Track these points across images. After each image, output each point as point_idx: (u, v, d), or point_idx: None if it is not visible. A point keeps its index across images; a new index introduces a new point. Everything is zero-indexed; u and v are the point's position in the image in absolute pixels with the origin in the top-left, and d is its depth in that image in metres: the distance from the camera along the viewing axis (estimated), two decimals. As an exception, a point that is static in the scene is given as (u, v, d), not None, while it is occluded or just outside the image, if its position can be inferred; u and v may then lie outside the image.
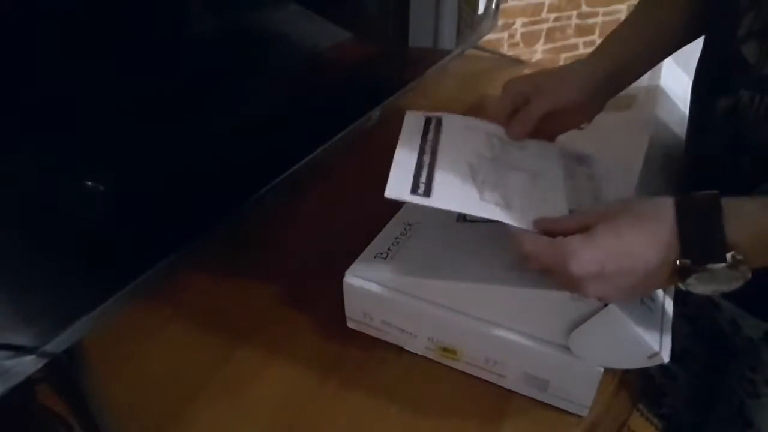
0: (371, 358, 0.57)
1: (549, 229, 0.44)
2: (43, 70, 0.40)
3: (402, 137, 0.53)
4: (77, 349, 0.49)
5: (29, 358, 0.44)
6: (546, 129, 0.56)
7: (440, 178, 0.49)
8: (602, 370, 0.47)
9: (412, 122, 0.56)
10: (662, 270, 0.39)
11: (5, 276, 0.42)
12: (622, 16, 1.89)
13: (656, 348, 0.43)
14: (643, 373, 0.68)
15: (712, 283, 0.38)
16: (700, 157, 0.57)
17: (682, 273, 0.39)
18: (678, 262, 0.38)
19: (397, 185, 0.47)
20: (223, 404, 0.54)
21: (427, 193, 0.47)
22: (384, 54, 0.88)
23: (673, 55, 0.62)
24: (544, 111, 0.54)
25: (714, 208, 0.38)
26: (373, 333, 0.58)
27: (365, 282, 0.55)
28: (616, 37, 0.58)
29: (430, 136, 0.54)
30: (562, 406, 0.51)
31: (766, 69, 0.45)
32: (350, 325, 0.60)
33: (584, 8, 1.88)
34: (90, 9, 0.42)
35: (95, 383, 0.52)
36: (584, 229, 0.41)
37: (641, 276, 0.40)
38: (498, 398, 0.53)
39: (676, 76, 0.82)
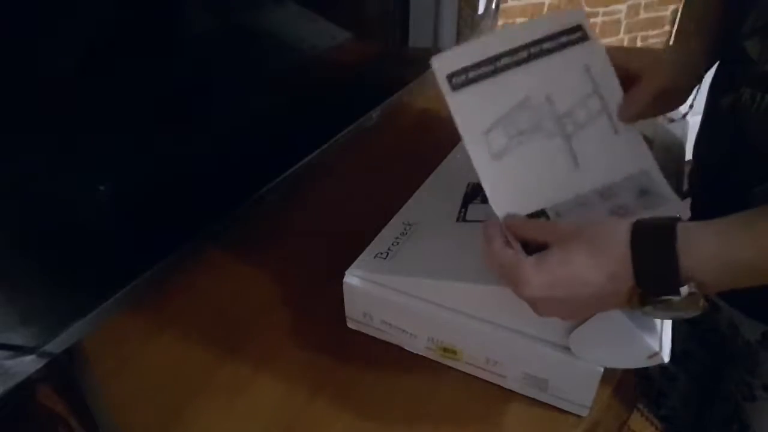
0: (371, 358, 0.57)
1: (515, 232, 0.44)
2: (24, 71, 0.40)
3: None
4: (77, 349, 0.49)
5: (29, 358, 0.44)
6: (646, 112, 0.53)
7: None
8: (602, 370, 0.47)
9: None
10: (616, 296, 0.38)
11: (6, 276, 0.42)
12: (623, 17, 1.89)
13: (656, 348, 0.43)
14: (644, 375, 0.68)
15: (669, 311, 0.37)
16: (705, 155, 0.57)
17: (639, 301, 0.37)
18: (632, 290, 0.37)
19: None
20: (223, 404, 0.54)
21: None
22: (384, 54, 0.88)
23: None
24: (658, 91, 0.50)
25: (669, 238, 0.36)
26: (373, 333, 0.58)
27: (365, 282, 0.55)
28: (695, 29, 0.56)
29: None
30: (562, 406, 0.51)
31: (767, 65, 0.45)
32: (350, 325, 0.60)
33: (584, 8, 1.88)
34: (84, 8, 0.42)
35: (95, 383, 0.52)
36: (545, 244, 0.40)
37: (594, 300, 0.39)
38: (498, 398, 0.53)
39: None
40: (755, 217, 0.36)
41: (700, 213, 0.61)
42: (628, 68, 0.51)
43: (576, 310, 0.41)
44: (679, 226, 0.37)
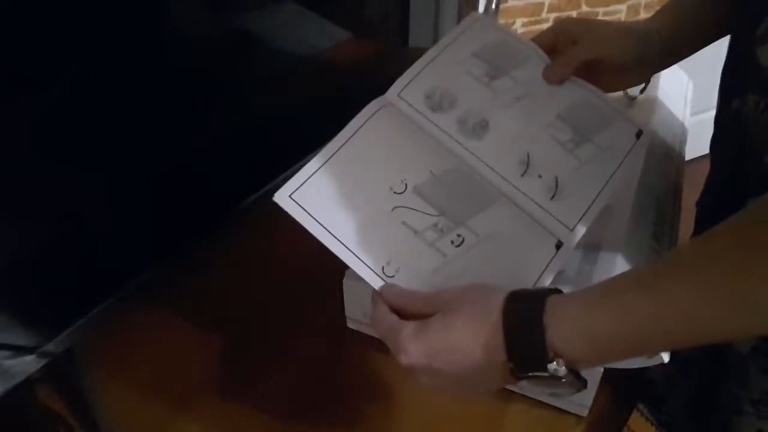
0: (371, 358, 0.57)
1: (396, 303, 0.42)
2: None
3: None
4: (77, 349, 0.49)
5: (29, 358, 0.44)
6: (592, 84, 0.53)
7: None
8: (602, 370, 0.47)
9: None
10: (492, 369, 0.37)
11: (6, 277, 0.42)
12: (623, 17, 1.89)
13: (656, 348, 0.43)
14: (646, 379, 0.68)
15: (545, 387, 0.37)
16: (714, 162, 0.57)
17: (513, 375, 0.36)
18: (506, 364, 0.36)
19: None
20: (223, 404, 0.54)
21: None
22: (384, 54, 0.88)
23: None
24: (591, 57, 0.51)
25: (537, 309, 0.35)
26: (373, 333, 0.58)
27: (365, 282, 0.54)
28: (677, 3, 0.56)
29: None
30: (562, 406, 0.51)
31: None
32: (350, 325, 0.60)
33: (584, 8, 1.88)
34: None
35: (95, 383, 0.52)
36: (429, 312, 0.39)
37: (470, 372, 0.38)
38: (498, 398, 0.53)
39: (676, 77, 0.82)
40: (620, 285, 0.35)
41: (705, 221, 0.60)
42: (571, 32, 0.52)
43: (457, 384, 0.40)
44: (550, 299, 0.36)
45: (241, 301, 0.64)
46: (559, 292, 0.38)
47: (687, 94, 0.82)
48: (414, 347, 0.38)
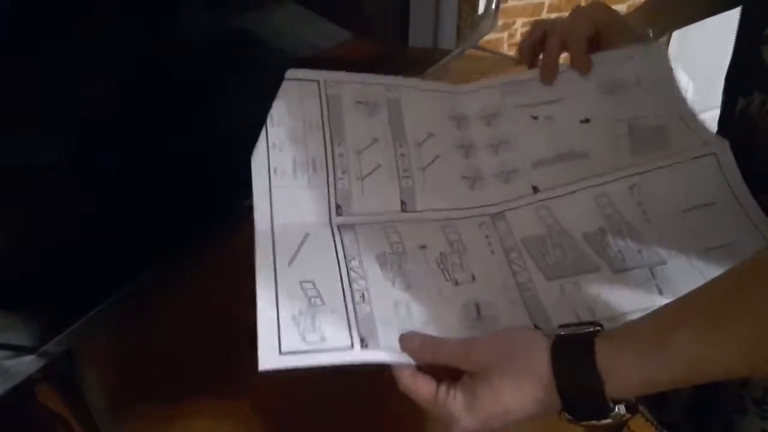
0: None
1: (423, 359, 0.40)
2: None
3: None
4: (77, 349, 0.49)
5: (29, 358, 0.44)
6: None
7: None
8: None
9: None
10: (550, 413, 0.38)
11: (6, 276, 0.42)
12: (622, 16, 1.89)
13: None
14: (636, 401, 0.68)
15: (599, 423, 0.37)
16: None
17: (570, 421, 0.37)
18: (562, 414, 0.37)
19: None
20: (223, 405, 0.54)
21: None
22: (384, 54, 0.88)
23: (674, 55, 0.61)
24: (591, 31, 0.51)
25: (589, 368, 0.35)
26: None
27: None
28: None
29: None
30: (562, 406, 0.51)
31: None
32: (350, 325, 0.59)
33: (584, 8, 1.88)
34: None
35: (95, 383, 0.52)
36: (462, 369, 0.39)
37: (530, 416, 0.38)
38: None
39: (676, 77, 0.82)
40: (669, 325, 0.35)
41: None
42: (555, 28, 0.52)
43: (514, 420, 0.39)
44: (598, 349, 0.35)
45: (241, 301, 0.64)
46: (600, 327, 0.37)
47: (687, 94, 0.81)
48: (468, 420, 0.38)
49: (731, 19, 0.54)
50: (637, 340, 0.35)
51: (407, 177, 0.49)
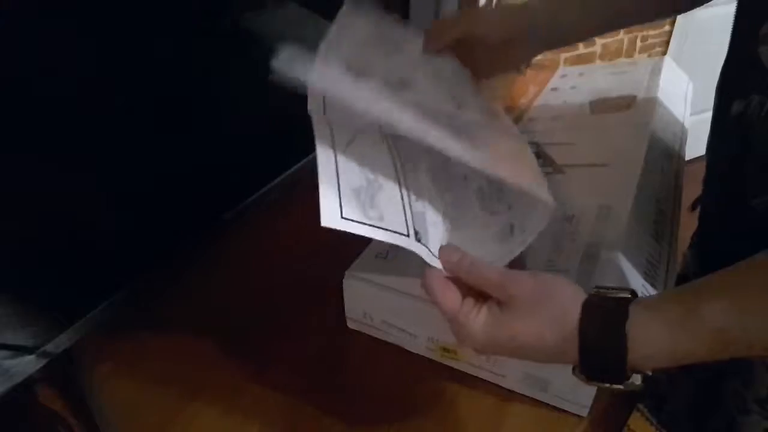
0: (371, 358, 0.57)
1: (465, 278, 0.40)
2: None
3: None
4: (77, 349, 0.49)
5: (29, 358, 0.44)
6: (478, 67, 0.54)
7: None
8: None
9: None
10: (562, 361, 0.38)
11: (6, 277, 0.42)
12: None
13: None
14: (649, 378, 0.68)
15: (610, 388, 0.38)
16: (712, 163, 0.57)
17: (581, 376, 0.37)
18: (574, 368, 0.37)
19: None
20: (222, 405, 0.54)
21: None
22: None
23: (674, 55, 0.61)
24: (458, 35, 0.52)
25: (619, 331, 0.35)
26: (373, 333, 0.58)
27: (365, 282, 0.55)
28: None
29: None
30: (562, 406, 0.51)
31: None
32: (350, 325, 0.60)
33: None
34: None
35: (95, 383, 0.52)
36: (497, 297, 0.39)
37: (538, 357, 0.38)
38: (498, 398, 0.53)
39: (676, 77, 0.82)
40: (700, 300, 0.35)
41: (706, 223, 0.60)
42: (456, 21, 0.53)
43: (519, 358, 0.40)
44: (632, 315, 0.35)
45: (241, 301, 0.64)
46: (635, 294, 0.37)
47: (687, 95, 0.82)
48: (480, 342, 0.38)
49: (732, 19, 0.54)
50: (669, 310, 0.35)
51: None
